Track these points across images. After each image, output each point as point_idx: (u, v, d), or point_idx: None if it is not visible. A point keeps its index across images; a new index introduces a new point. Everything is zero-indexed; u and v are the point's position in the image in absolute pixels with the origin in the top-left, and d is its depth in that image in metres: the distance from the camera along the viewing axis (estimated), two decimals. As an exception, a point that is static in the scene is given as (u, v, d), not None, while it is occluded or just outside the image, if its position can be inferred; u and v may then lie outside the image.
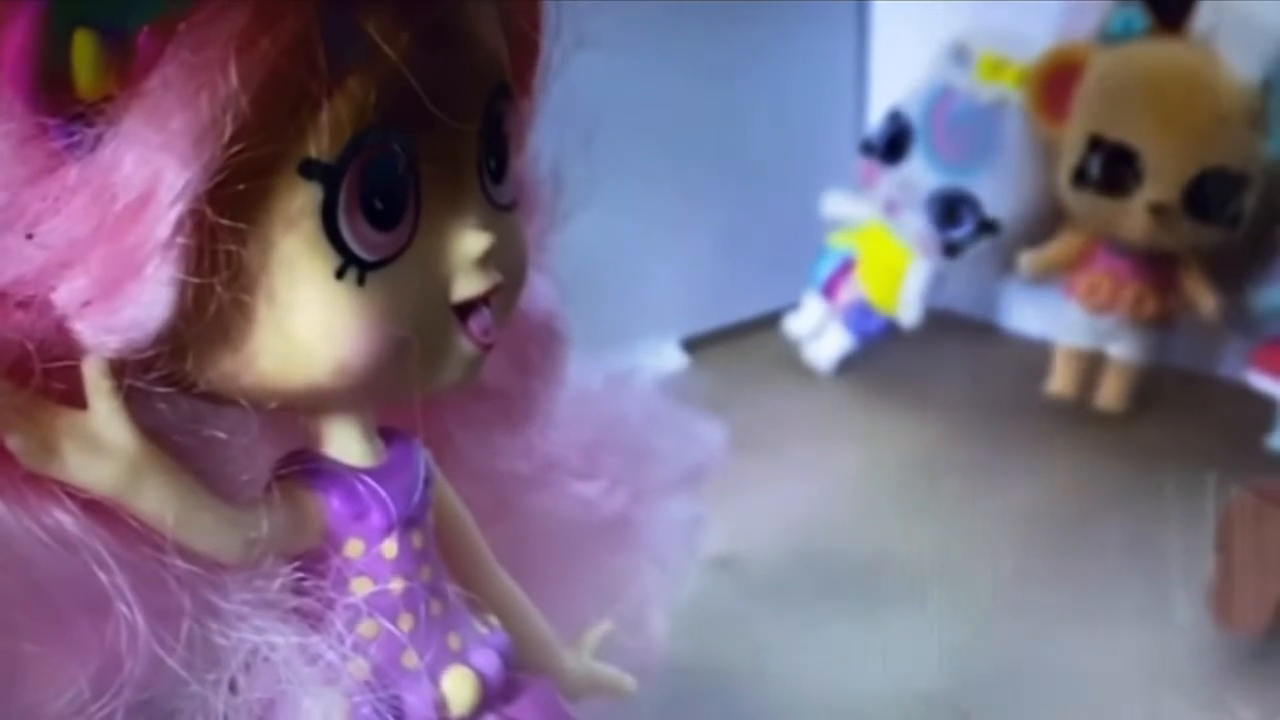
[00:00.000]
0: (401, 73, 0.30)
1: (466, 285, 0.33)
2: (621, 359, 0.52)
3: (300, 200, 0.30)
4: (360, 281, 0.31)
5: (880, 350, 1.10)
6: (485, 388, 0.41)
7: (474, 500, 0.41)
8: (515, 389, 0.42)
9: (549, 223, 0.42)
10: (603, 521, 0.46)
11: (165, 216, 0.28)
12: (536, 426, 0.43)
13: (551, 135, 0.41)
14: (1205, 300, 0.98)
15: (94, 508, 0.30)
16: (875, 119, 1.15)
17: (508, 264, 0.35)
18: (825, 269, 1.10)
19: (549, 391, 0.44)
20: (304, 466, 0.35)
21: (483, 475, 0.42)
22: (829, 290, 1.10)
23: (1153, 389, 1.02)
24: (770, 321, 1.13)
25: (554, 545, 0.45)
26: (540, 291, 0.42)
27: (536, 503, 0.44)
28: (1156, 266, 0.99)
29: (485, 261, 0.33)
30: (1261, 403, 0.94)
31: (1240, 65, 0.91)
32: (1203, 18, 0.93)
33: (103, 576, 0.29)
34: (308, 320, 0.31)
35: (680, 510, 0.50)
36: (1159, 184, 0.93)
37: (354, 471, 0.35)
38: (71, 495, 0.29)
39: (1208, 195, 0.92)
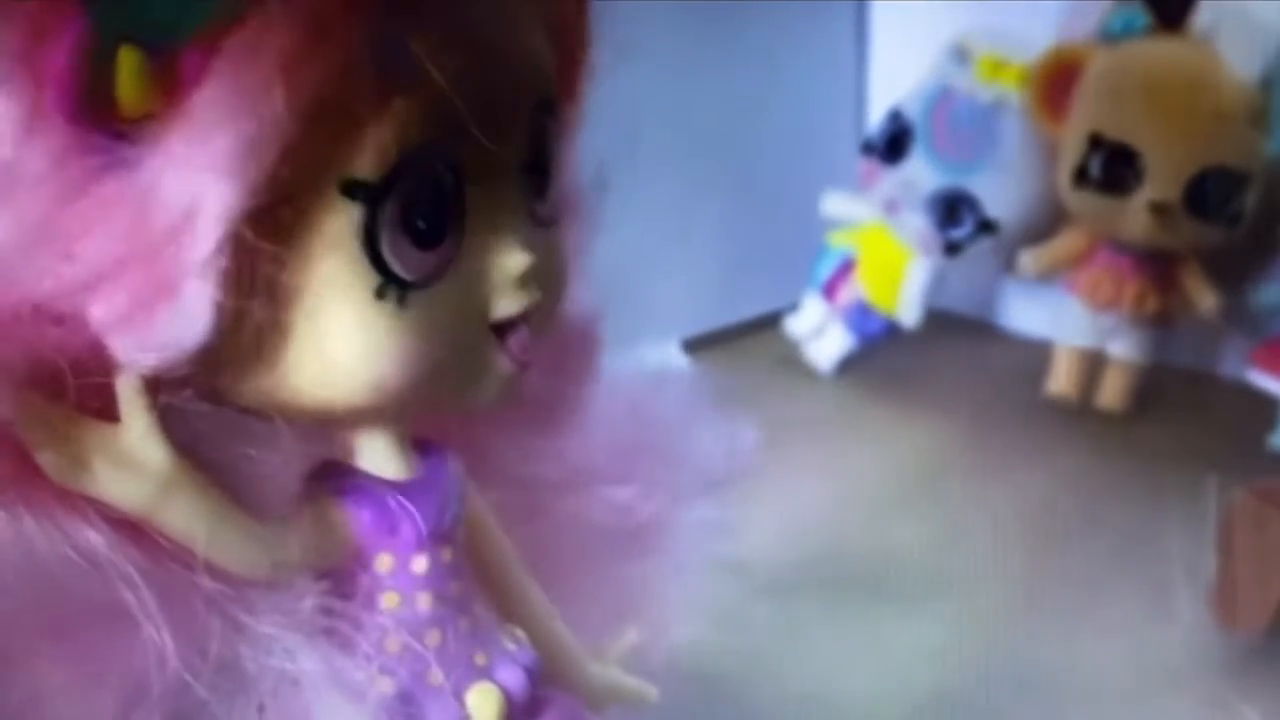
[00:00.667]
0: (447, 93, 0.30)
1: (506, 304, 0.33)
2: (622, 360, 0.51)
3: (342, 220, 0.30)
4: (400, 302, 0.31)
5: (880, 350, 1.10)
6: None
7: (504, 504, 0.41)
8: (549, 393, 0.42)
9: (588, 229, 0.41)
10: (634, 526, 0.46)
11: (205, 237, 0.27)
12: (569, 430, 0.43)
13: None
14: (1206, 299, 0.98)
15: (123, 526, 0.29)
16: (875, 119, 1.16)
17: (547, 281, 0.34)
18: (825, 269, 1.10)
19: (582, 395, 0.43)
20: (335, 481, 0.35)
21: (514, 479, 0.42)
22: (829, 290, 1.10)
23: (1153, 388, 1.03)
24: (771, 322, 1.14)
25: (583, 549, 0.45)
26: (575, 296, 0.42)
27: (568, 507, 0.44)
28: (1157, 265, 0.99)
29: (525, 280, 0.33)
30: (1262, 401, 0.94)
31: (1240, 64, 0.91)
32: (1203, 17, 0.93)
33: (130, 597, 0.29)
34: (346, 341, 0.30)
35: (707, 513, 0.50)
36: (1159, 183, 0.93)
37: (385, 486, 0.35)
38: (101, 514, 0.29)
39: (1208, 194, 0.93)
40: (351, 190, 0.29)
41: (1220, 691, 0.67)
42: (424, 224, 0.31)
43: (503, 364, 0.34)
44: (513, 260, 0.33)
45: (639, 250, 0.89)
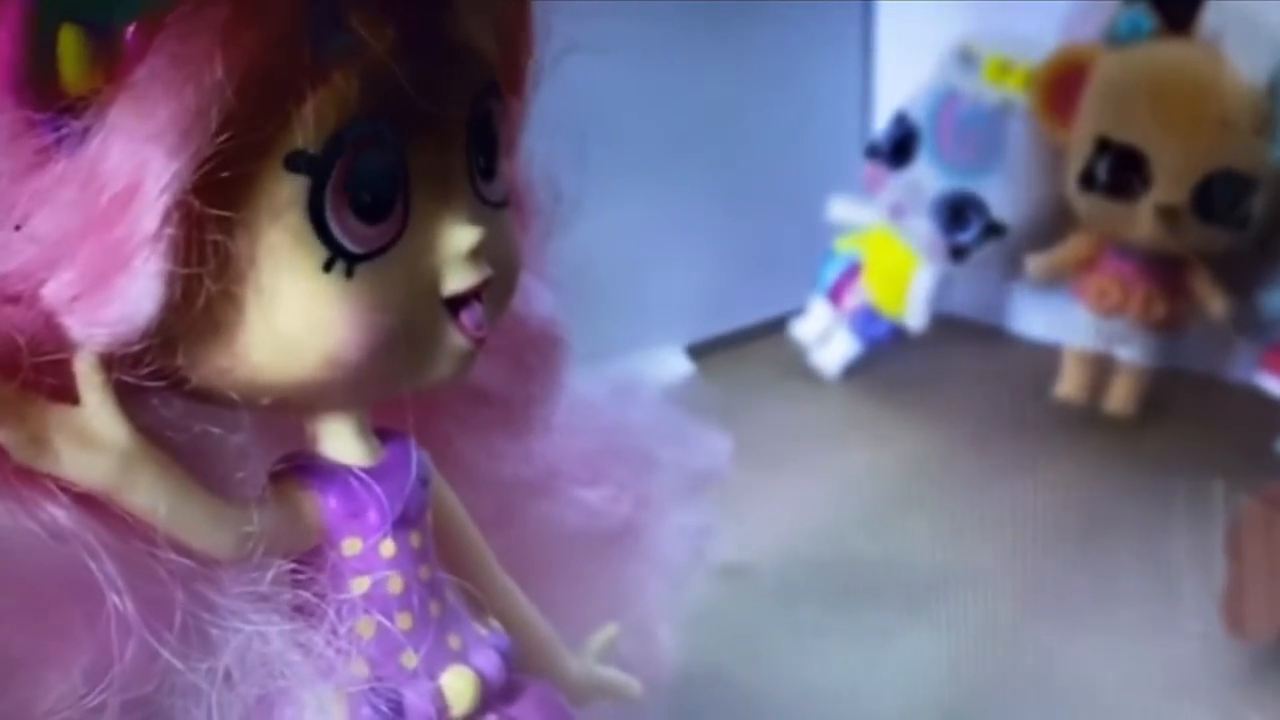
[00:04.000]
0: (386, 66, 0.30)
1: (457, 279, 0.33)
2: (627, 366, 0.51)
3: (286, 192, 0.30)
4: (348, 274, 0.31)
5: (887, 355, 1.10)
6: (485, 393, 0.41)
7: (477, 507, 0.41)
8: (515, 394, 0.42)
9: (547, 228, 0.42)
10: (607, 529, 0.46)
11: (153, 207, 0.28)
12: (537, 432, 0.43)
13: (557, 140, 0.41)
14: (1214, 303, 0.98)
15: (86, 501, 0.30)
16: (881, 122, 1.15)
17: (499, 259, 0.35)
18: (831, 274, 1.10)
19: (549, 397, 0.43)
20: (300, 467, 0.35)
21: (485, 482, 0.42)
22: (835, 295, 1.10)
23: (1162, 393, 1.02)
24: (776, 327, 1.14)
25: (559, 553, 0.45)
26: (538, 296, 0.42)
27: (540, 510, 0.44)
28: (1165, 269, 0.98)
29: (475, 256, 0.33)
30: (1271, 406, 0.93)
31: (1247, 67, 0.91)
32: (1209, 19, 0.93)
33: (94, 567, 0.29)
34: (295, 313, 0.31)
35: (687, 519, 0.50)
36: (1167, 186, 0.93)
37: (350, 470, 0.35)
38: (64, 489, 0.29)
39: (1216, 197, 0.92)
40: (295, 162, 0.30)
41: (1229, 699, 0.67)
42: (369, 197, 0.31)
43: (457, 340, 0.34)
44: (460, 235, 0.33)
45: (644, 255, 0.90)
